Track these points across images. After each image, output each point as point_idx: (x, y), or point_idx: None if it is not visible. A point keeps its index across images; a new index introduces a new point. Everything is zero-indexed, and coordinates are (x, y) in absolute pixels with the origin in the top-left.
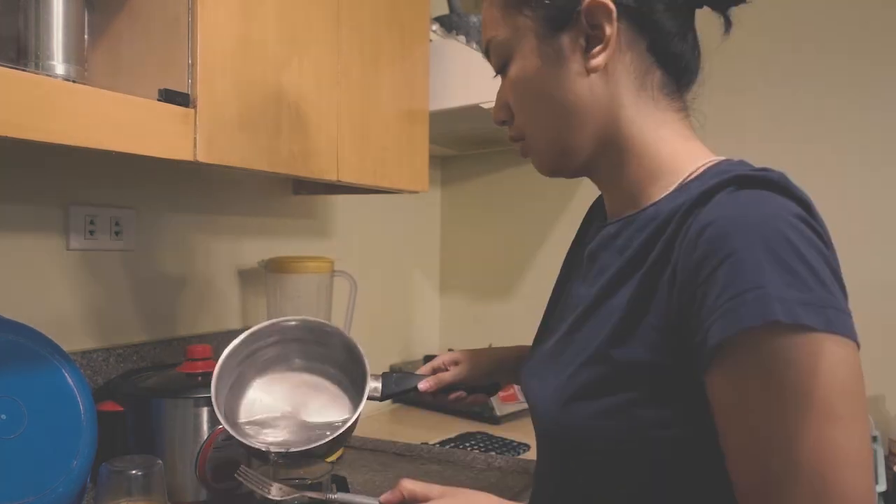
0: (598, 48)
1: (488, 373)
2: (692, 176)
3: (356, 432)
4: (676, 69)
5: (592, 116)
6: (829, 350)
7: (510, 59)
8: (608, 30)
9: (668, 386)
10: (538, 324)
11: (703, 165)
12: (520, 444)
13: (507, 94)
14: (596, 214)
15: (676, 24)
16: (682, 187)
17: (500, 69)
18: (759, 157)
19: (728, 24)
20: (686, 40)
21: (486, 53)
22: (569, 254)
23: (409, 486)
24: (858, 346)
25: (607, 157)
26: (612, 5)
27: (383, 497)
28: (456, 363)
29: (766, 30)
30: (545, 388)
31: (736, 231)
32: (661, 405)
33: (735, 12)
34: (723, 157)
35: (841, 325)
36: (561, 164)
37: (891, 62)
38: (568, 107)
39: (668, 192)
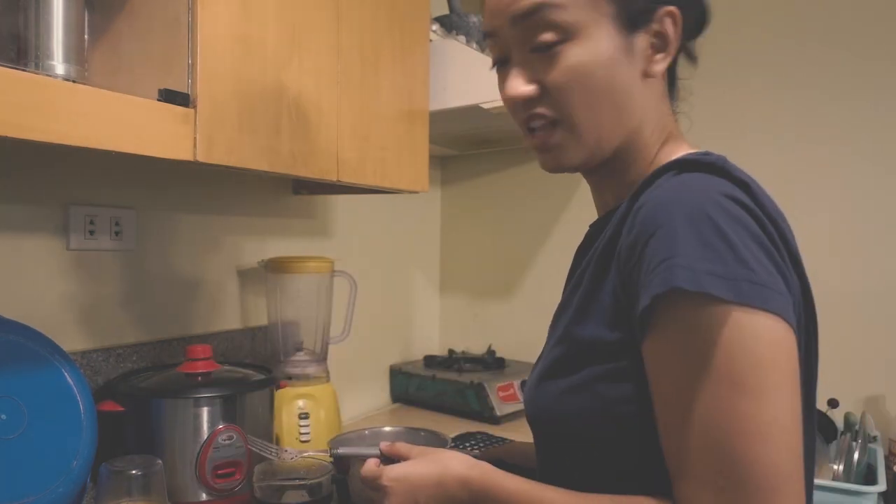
0: (661, 55)
1: None
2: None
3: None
4: (673, 79)
5: (633, 118)
6: (738, 320)
7: (572, 38)
8: (673, 39)
9: (624, 361)
10: (538, 323)
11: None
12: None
13: (544, 72)
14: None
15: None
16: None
17: (549, 44)
18: (760, 158)
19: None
20: None
21: (528, 16)
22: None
23: (399, 446)
24: (790, 323)
25: (620, 159)
26: (680, 16)
27: (383, 445)
28: None
29: (767, 27)
30: (531, 378)
31: (662, 209)
32: (620, 381)
33: (738, 8)
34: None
35: (757, 297)
36: (588, 158)
37: (892, 59)
38: (620, 104)
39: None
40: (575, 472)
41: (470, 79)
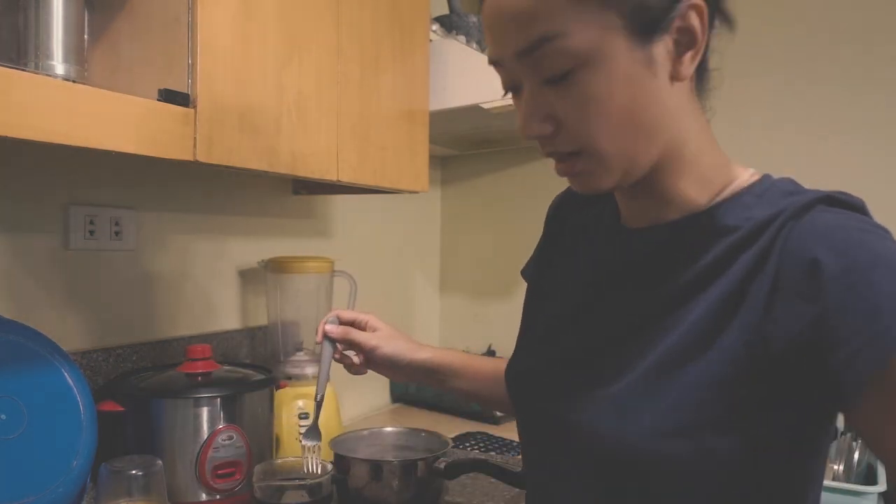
0: (690, 53)
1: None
2: (743, 187)
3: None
4: (702, 69)
5: (665, 130)
6: None
7: (584, 64)
8: (700, 33)
9: (745, 412)
10: None
11: (750, 176)
12: (519, 444)
13: (558, 106)
14: (589, 214)
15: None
16: (737, 195)
17: (560, 75)
18: (761, 154)
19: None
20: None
21: (531, 52)
22: (555, 256)
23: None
24: None
25: (661, 170)
26: (705, 4)
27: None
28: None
29: (775, 20)
30: (609, 412)
31: (869, 242)
32: (732, 432)
33: (745, 3)
34: (754, 170)
35: None
36: (622, 180)
37: None
38: (651, 120)
39: (720, 200)
40: None
41: (470, 79)
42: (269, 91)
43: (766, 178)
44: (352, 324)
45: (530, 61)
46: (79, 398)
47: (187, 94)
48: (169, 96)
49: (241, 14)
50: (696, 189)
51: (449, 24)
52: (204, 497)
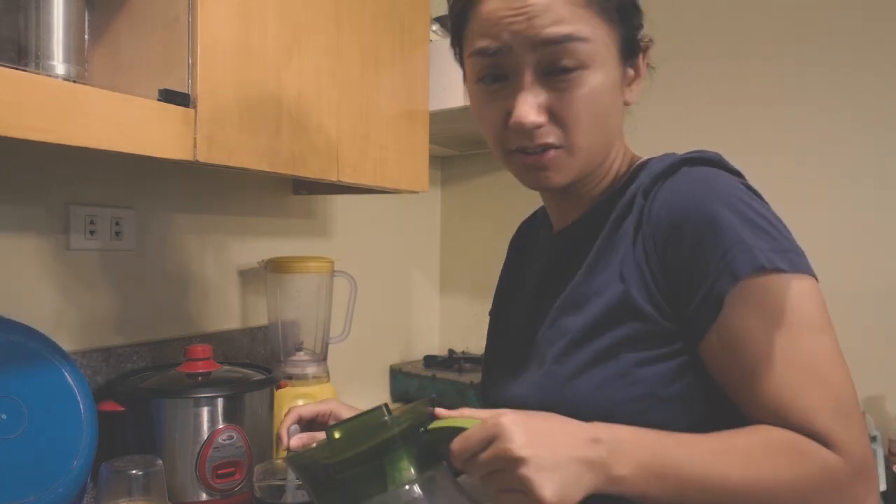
0: (636, 82)
1: None
2: (629, 172)
3: None
4: None
5: (613, 143)
6: (798, 284)
7: (586, 67)
8: (643, 66)
9: (665, 344)
10: None
11: (638, 163)
12: None
13: (556, 98)
14: (531, 238)
15: None
16: (630, 176)
17: (567, 70)
18: (760, 156)
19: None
20: None
21: (554, 44)
22: (511, 279)
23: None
24: (816, 279)
25: (592, 176)
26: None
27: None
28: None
29: (766, 28)
30: (532, 377)
31: (702, 203)
32: (661, 361)
33: (736, 8)
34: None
35: (802, 265)
36: (576, 178)
37: (890, 57)
38: (613, 128)
39: (619, 186)
40: None
41: None
42: (269, 91)
43: (653, 158)
44: (314, 419)
45: (545, 52)
46: (79, 398)
47: (187, 94)
48: (169, 96)
49: (241, 14)
50: (605, 187)
51: (449, 24)
52: (204, 497)
